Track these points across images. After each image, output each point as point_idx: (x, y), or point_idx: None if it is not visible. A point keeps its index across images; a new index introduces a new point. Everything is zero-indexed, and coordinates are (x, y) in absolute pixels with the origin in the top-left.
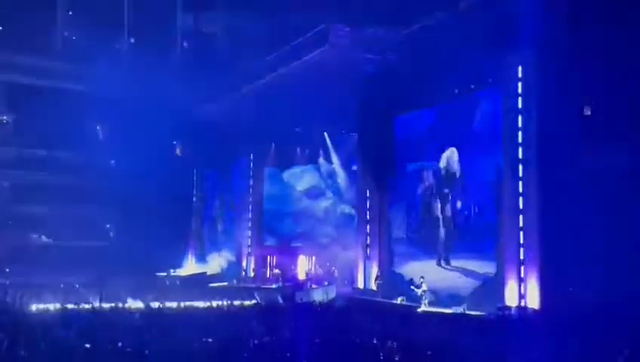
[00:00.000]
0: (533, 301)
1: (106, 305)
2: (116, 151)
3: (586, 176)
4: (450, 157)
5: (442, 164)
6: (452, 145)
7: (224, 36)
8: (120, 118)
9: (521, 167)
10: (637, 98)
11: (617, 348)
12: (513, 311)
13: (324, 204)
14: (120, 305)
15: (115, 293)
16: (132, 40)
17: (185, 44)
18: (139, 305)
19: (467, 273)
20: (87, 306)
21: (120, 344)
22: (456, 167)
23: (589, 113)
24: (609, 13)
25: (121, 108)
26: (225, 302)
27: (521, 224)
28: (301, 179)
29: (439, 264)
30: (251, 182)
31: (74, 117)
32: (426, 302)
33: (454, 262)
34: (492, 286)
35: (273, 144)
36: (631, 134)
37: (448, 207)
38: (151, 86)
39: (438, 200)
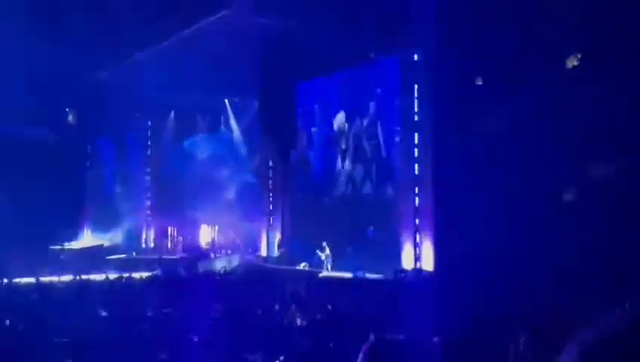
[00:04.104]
0: (427, 264)
1: None
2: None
3: (478, 144)
4: (340, 120)
5: (335, 126)
6: (348, 112)
7: None
8: (5, 81)
9: (416, 134)
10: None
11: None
12: (409, 274)
13: (225, 172)
14: (9, 280)
15: (4, 268)
16: None
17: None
18: (30, 280)
19: (366, 239)
20: None
21: (8, 321)
22: (346, 131)
23: (480, 83)
24: None
25: (6, 70)
26: (123, 275)
27: (416, 191)
28: (201, 147)
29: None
30: (149, 152)
31: None
32: (329, 266)
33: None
34: (390, 251)
35: (172, 112)
36: (521, 103)
37: (347, 178)
38: (40, 47)
39: (337, 171)
